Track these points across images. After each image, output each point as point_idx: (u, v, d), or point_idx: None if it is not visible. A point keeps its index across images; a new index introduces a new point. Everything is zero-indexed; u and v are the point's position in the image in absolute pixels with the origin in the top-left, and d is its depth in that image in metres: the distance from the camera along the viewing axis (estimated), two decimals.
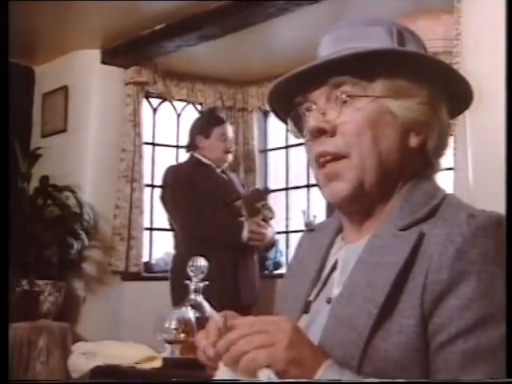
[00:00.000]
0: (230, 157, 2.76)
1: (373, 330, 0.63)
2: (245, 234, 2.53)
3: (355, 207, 0.73)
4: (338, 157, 0.70)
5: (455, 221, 0.65)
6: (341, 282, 0.71)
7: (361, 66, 0.70)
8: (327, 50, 0.74)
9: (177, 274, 2.56)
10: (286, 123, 0.78)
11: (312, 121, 0.71)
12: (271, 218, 2.70)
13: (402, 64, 0.70)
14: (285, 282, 0.82)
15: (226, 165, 2.76)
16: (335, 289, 0.71)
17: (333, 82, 0.71)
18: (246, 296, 2.54)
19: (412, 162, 0.72)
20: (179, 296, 2.48)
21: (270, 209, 2.70)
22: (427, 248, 0.65)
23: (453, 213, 0.67)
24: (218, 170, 2.70)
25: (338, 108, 0.71)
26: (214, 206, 2.55)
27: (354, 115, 0.70)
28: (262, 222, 2.60)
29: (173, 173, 2.67)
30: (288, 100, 0.75)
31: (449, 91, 0.73)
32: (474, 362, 0.60)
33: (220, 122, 2.79)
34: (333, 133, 0.71)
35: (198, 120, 2.88)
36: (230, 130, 2.77)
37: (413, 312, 0.63)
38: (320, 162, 0.71)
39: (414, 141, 0.72)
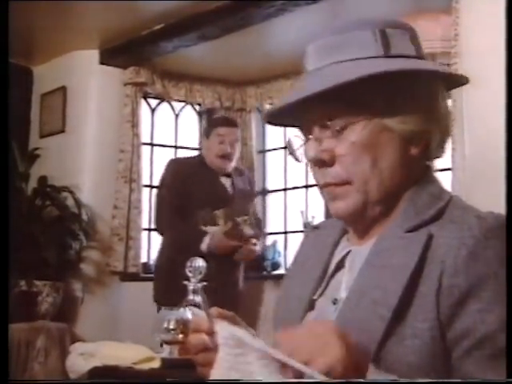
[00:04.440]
0: (227, 162, 2.54)
1: (386, 334, 0.63)
2: (204, 246, 2.41)
3: (359, 222, 0.73)
4: (340, 184, 0.70)
5: (465, 223, 0.65)
6: (348, 285, 0.70)
7: (350, 92, 0.67)
8: (313, 63, 0.72)
9: (160, 274, 2.56)
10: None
11: (310, 151, 0.71)
12: (251, 236, 2.47)
13: (390, 81, 0.68)
14: (288, 280, 0.82)
15: (226, 169, 2.56)
16: (342, 291, 0.71)
17: (323, 112, 0.70)
18: (218, 301, 2.45)
19: (415, 169, 0.72)
20: (163, 295, 2.43)
21: (252, 225, 2.49)
22: (436, 250, 0.65)
23: (460, 215, 0.67)
24: (220, 173, 2.56)
25: (333, 137, 0.70)
26: (191, 210, 2.45)
27: (350, 144, 0.69)
28: (240, 235, 2.43)
29: (170, 166, 2.62)
30: (284, 125, 0.76)
31: (443, 83, 0.72)
32: (503, 364, 0.60)
33: (219, 123, 2.62)
34: (331, 162, 0.70)
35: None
36: (230, 133, 2.55)
37: (427, 316, 0.63)
38: (324, 189, 0.72)
39: (415, 150, 0.71)
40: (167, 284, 2.43)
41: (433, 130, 0.71)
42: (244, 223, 2.45)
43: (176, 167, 2.60)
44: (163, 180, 2.64)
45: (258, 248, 2.54)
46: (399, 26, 0.72)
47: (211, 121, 2.74)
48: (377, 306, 0.64)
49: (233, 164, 2.58)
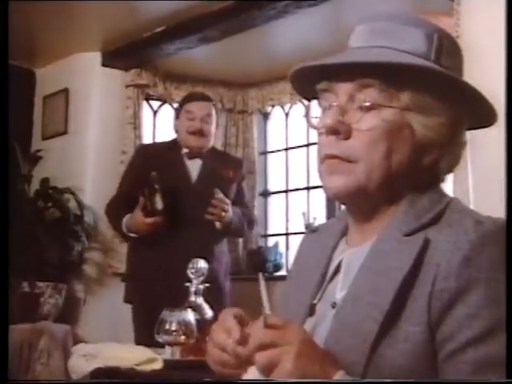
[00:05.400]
0: (201, 139, 2.22)
1: (378, 337, 0.63)
2: (123, 227, 2.19)
3: (355, 206, 0.72)
4: (346, 159, 0.69)
5: (462, 227, 0.65)
6: (344, 286, 0.70)
7: (391, 73, 0.67)
8: (360, 41, 0.72)
9: (129, 271, 2.34)
10: (308, 100, 0.76)
11: (328, 118, 0.69)
12: (153, 208, 2.11)
13: (433, 81, 0.68)
14: (287, 283, 0.81)
15: (202, 148, 2.24)
16: (338, 293, 0.71)
17: (361, 82, 0.68)
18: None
19: (421, 177, 0.71)
20: (133, 295, 2.22)
21: (157, 199, 2.11)
22: (433, 254, 0.64)
23: (458, 219, 0.66)
24: (192, 155, 2.25)
25: (359, 113, 0.69)
26: (135, 191, 2.17)
27: (376, 124, 0.68)
28: (149, 209, 2.10)
29: (135, 152, 2.45)
30: (310, 84, 0.73)
31: (472, 113, 0.72)
32: (485, 371, 0.60)
33: (187, 99, 2.32)
34: (347, 136, 0.69)
35: None
36: (201, 108, 2.24)
37: (419, 319, 0.62)
38: (326, 161, 0.70)
39: (426, 159, 0.70)
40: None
41: (448, 148, 0.71)
42: (150, 197, 2.11)
43: (139, 153, 2.39)
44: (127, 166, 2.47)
45: (228, 209, 2.16)
46: (452, 40, 0.73)
47: (182, 99, 2.39)
48: (371, 309, 0.64)
49: (209, 142, 2.27)
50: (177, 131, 2.31)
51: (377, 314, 0.63)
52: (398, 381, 0.61)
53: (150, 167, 2.17)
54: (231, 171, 2.31)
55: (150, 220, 2.11)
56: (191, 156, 2.26)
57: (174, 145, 2.31)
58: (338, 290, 0.71)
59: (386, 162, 0.68)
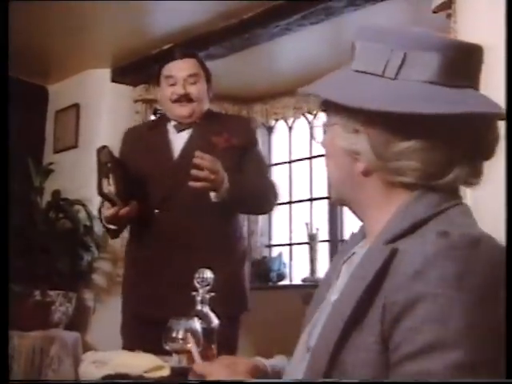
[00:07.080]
0: (186, 107, 1.78)
1: (339, 343, 0.64)
2: (103, 220, 1.78)
3: (351, 210, 0.79)
4: None
5: (425, 239, 0.63)
6: (338, 291, 0.73)
7: (326, 100, 0.75)
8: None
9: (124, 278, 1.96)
10: None
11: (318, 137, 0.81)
12: (101, 192, 1.69)
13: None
14: (320, 284, 0.86)
15: (191, 116, 1.79)
16: (332, 296, 0.74)
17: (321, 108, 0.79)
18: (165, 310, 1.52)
19: (371, 186, 0.72)
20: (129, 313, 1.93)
21: (106, 182, 1.70)
22: (399, 265, 0.64)
23: (430, 229, 0.65)
24: (175, 127, 1.82)
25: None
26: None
27: (322, 143, 0.79)
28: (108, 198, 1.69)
29: (121, 138, 1.97)
30: None
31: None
32: None
33: (166, 59, 1.85)
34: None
35: None
36: (183, 67, 1.79)
37: (374, 330, 0.63)
38: None
39: (359, 166, 0.72)
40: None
41: (383, 161, 0.69)
42: (99, 179, 1.71)
43: (123, 139, 1.95)
44: None
45: (218, 169, 1.66)
46: (434, 48, 0.69)
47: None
48: (338, 316, 0.66)
49: (200, 106, 1.81)
50: (160, 102, 1.91)
51: (339, 320, 0.65)
52: (398, 381, 0.61)
53: (134, 153, 1.84)
54: (228, 135, 1.80)
55: (111, 211, 1.69)
56: (181, 128, 1.81)
57: (159, 121, 1.92)
58: (333, 293, 0.74)
59: (333, 174, 0.77)
